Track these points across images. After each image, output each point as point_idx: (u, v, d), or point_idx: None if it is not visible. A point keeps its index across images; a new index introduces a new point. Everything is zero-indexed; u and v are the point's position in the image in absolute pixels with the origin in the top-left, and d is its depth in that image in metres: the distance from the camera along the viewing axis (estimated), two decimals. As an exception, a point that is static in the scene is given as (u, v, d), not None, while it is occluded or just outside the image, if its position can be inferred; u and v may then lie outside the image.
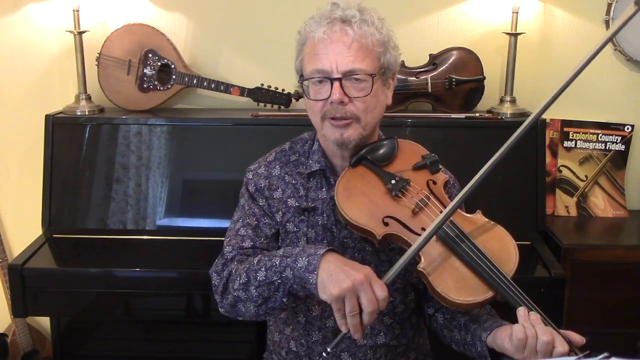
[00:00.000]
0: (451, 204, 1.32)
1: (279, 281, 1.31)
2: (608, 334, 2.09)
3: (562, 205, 2.44)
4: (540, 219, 2.22)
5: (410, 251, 1.29)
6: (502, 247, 1.37)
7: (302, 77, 1.45)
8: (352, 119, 1.40)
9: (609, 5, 2.38)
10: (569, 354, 1.22)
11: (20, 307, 2.03)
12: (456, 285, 1.31)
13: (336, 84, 1.37)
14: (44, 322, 2.63)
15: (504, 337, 1.28)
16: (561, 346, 1.21)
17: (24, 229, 2.51)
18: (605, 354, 1.02)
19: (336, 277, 1.22)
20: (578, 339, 1.24)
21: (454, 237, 1.35)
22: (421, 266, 1.33)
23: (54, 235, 2.24)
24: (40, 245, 2.15)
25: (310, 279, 1.25)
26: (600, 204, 2.43)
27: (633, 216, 2.43)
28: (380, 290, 1.21)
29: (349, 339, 1.39)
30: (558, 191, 2.44)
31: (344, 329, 1.23)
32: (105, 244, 2.22)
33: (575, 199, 2.44)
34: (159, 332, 2.39)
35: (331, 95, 1.37)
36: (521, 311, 1.26)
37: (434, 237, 1.34)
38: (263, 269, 1.34)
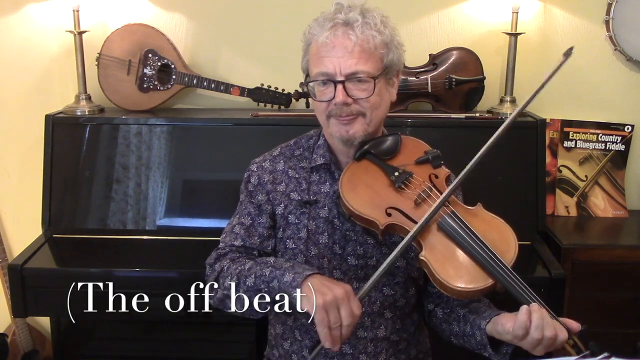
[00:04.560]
0: (442, 196, 1.38)
1: (266, 289, 1.37)
2: (608, 334, 2.09)
3: (562, 205, 2.44)
4: (540, 219, 2.22)
5: (394, 253, 1.34)
6: (501, 237, 1.40)
7: (307, 78, 1.49)
8: (357, 114, 1.44)
9: (609, 5, 2.38)
10: (567, 340, 1.26)
11: (20, 307, 2.03)
12: (457, 273, 1.34)
13: (339, 86, 1.41)
14: (44, 322, 2.63)
15: (504, 321, 1.32)
16: (561, 333, 1.26)
17: (24, 229, 2.51)
18: (605, 354, 1.02)
19: (320, 290, 1.28)
20: (574, 325, 1.29)
21: (455, 226, 1.38)
22: (423, 255, 1.36)
23: (54, 235, 2.24)
24: (40, 245, 2.15)
25: (293, 293, 1.31)
26: (600, 204, 2.43)
27: (633, 216, 2.43)
28: (357, 308, 1.29)
29: (326, 350, 1.43)
30: (558, 191, 2.44)
31: (327, 343, 1.27)
32: (105, 244, 2.21)
33: (575, 199, 2.44)
34: (159, 332, 2.39)
35: (335, 97, 1.42)
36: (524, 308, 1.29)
37: (436, 228, 1.39)
38: (253, 276, 1.40)
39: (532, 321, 1.25)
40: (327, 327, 1.25)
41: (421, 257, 1.36)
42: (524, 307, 1.28)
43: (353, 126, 1.45)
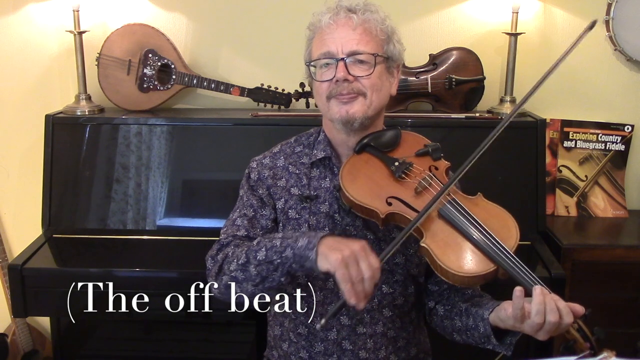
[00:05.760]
0: (447, 184, 1.39)
1: (279, 260, 1.36)
2: (608, 333, 2.09)
3: (562, 205, 2.44)
4: (540, 219, 2.22)
5: (405, 230, 1.34)
6: (502, 225, 1.40)
7: (310, 62, 1.51)
8: (357, 94, 1.46)
9: (609, 5, 2.38)
10: (572, 324, 1.28)
11: (20, 307, 2.03)
12: (459, 259, 1.34)
13: (340, 63, 1.45)
14: (44, 322, 2.63)
15: (507, 306, 1.31)
16: (567, 318, 1.28)
17: (24, 229, 2.51)
18: (605, 354, 1.02)
19: (337, 247, 1.30)
20: (579, 309, 1.31)
21: (456, 213, 1.39)
22: (424, 242, 1.36)
23: (54, 235, 2.24)
24: (40, 245, 2.15)
25: (310, 255, 1.32)
26: (600, 204, 2.43)
27: (633, 216, 2.43)
28: (375, 261, 1.28)
29: (346, 314, 1.46)
30: (558, 191, 2.44)
31: (352, 299, 1.25)
32: (105, 244, 2.21)
33: (575, 199, 2.44)
34: (159, 332, 2.39)
35: (336, 74, 1.45)
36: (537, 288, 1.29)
37: (437, 215, 1.40)
38: (263, 249, 1.39)
39: (532, 305, 1.25)
40: (349, 283, 1.26)
41: (422, 245, 1.36)
42: (517, 289, 1.27)
43: (353, 106, 1.46)
